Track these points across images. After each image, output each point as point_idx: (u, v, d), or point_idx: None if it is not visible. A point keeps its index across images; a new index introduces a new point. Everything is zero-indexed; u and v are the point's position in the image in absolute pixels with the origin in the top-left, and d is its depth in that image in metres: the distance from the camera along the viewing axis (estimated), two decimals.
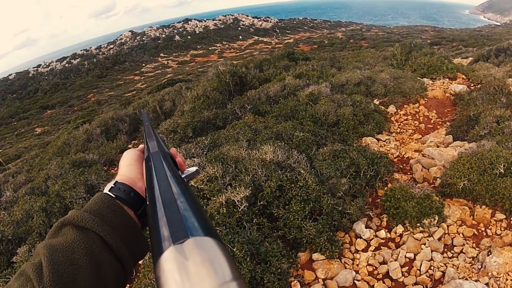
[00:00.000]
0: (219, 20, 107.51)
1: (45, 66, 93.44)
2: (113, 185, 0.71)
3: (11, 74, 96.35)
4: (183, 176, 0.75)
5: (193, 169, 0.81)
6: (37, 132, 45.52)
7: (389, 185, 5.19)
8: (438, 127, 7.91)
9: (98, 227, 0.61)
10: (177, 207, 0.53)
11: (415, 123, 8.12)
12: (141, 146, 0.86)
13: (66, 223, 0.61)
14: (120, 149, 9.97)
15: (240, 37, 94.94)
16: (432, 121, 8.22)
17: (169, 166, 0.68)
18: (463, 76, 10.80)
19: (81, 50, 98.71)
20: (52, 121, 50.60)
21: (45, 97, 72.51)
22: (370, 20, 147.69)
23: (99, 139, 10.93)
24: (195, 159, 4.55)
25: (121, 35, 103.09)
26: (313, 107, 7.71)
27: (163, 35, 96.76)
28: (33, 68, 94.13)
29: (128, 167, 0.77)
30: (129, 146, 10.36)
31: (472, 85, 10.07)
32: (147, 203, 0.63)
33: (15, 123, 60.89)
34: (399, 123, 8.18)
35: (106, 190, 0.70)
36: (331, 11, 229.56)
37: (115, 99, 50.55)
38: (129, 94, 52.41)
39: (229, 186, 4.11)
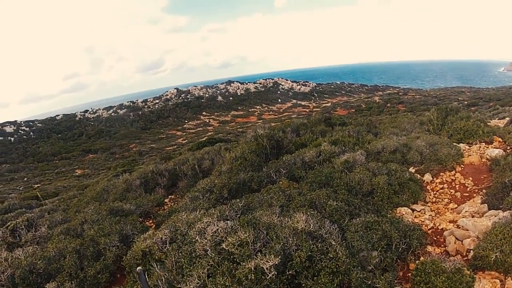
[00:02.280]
0: (260, 83, 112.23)
1: (92, 112, 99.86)
2: None
3: (58, 115, 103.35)
4: None
5: None
6: (77, 174, 47.52)
7: (421, 258, 5.05)
8: (474, 195, 7.54)
9: None
10: None
11: (451, 192, 7.83)
12: None
13: None
14: (157, 203, 10.28)
15: (279, 100, 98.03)
16: (468, 189, 7.87)
17: None
18: (500, 139, 10.40)
19: (127, 102, 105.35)
20: (93, 165, 52.85)
21: (89, 141, 76.57)
22: (406, 83, 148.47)
23: (137, 190, 11.32)
24: (228, 222, 4.72)
25: (167, 91, 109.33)
26: (348, 175, 7.74)
27: (207, 95, 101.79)
28: (80, 112, 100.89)
29: None
30: (165, 200, 10.69)
31: (508, 148, 9.64)
32: None
33: (57, 161, 64.15)
34: (434, 192, 7.92)
35: None
36: (368, 76, 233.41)
37: (156, 152, 52.53)
38: (170, 148, 54.40)
39: (259, 253, 4.20)
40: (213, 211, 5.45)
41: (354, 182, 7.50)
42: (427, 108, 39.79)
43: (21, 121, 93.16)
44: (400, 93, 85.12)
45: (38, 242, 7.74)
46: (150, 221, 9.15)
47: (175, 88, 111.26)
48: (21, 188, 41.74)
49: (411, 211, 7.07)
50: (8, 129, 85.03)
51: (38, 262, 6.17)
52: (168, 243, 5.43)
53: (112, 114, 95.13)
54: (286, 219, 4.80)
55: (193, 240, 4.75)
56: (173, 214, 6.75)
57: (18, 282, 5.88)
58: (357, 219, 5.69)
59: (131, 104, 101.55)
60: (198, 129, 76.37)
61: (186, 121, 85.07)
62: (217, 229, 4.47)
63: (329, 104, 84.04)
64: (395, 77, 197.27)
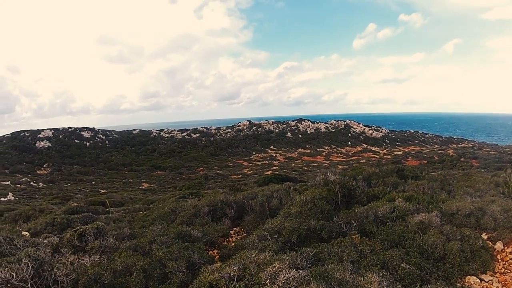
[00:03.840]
0: (331, 124, 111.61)
1: (167, 132, 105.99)
2: None
3: (135, 130, 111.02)
4: None
5: None
6: (143, 187, 49.98)
7: None
8: None
9: None
10: None
11: None
12: None
13: None
14: (222, 233, 10.49)
15: (349, 143, 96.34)
16: None
17: None
18: None
19: (202, 127, 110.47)
20: (160, 182, 55.36)
21: (160, 158, 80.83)
22: (481, 137, 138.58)
23: (205, 217, 11.62)
24: (300, 271, 4.74)
25: (240, 122, 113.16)
26: (422, 236, 7.45)
27: (277, 130, 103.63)
28: (156, 130, 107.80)
29: None
30: (230, 232, 10.88)
31: None
32: None
33: (126, 172, 68.17)
34: (504, 262, 7.32)
35: None
36: (443, 126, 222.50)
37: (221, 178, 53.85)
38: (235, 176, 55.54)
39: None
40: (285, 257, 5.49)
41: (427, 245, 7.19)
42: (501, 166, 37.08)
43: (99, 129, 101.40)
44: (475, 148, 79.75)
45: (104, 251, 7.86)
46: (215, 251, 9.33)
47: (247, 120, 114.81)
48: (87, 191, 44.96)
49: (479, 280, 6.66)
50: (86, 134, 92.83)
51: (105, 274, 6.27)
52: (235, 280, 5.52)
53: (186, 136, 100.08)
54: (359, 278, 4.72)
55: (262, 283, 4.83)
56: (241, 251, 6.87)
57: None
58: (428, 286, 5.46)
59: (205, 129, 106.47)
60: (264, 162, 77.31)
61: (254, 153, 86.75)
62: (289, 277, 4.51)
63: (400, 153, 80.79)
64: (473, 130, 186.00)
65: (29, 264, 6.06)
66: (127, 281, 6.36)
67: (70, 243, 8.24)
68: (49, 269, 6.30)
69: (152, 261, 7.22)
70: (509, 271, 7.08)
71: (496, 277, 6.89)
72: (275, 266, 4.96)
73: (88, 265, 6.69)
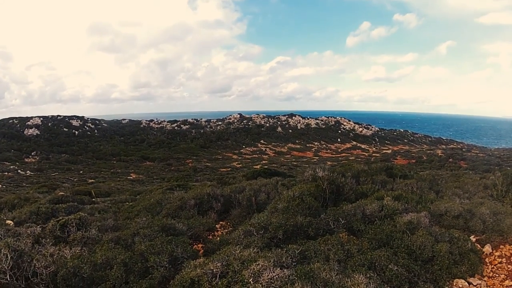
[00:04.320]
0: (322, 120, 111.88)
1: (157, 122, 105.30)
2: None
3: (125, 119, 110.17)
4: None
5: None
6: (131, 177, 49.63)
7: None
8: None
9: None
10: None
11: (509, 268, 7.18)
12: None
13: None
14: (208, 227, 10.29)
15: (339, 139, 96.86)
16: None
17: None
18: None
19: (192, 119, 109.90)
20: (148, 173, 55.04)
21: (149, 149, 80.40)
22: (471, 139, 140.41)
23: (191, 210, 11.41)
24: (285, 270, 4.57)
25: (231, 115, 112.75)
26: (410, 237, 7.34)
27: (267, 124, 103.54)
28: (145, 120, 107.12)
29: None
30: (216, 226, 10.70)
31: None
32: None
33: (114, 162, 67.74)
34: (492, 266, 7.31)
35: None
36: (433, 127, 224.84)
37: (210, 171, 53.66)
38: (224, 169, 55.41)
39: None
40: (270, 254, 5.31)
41: (415, 246, 7.07)
42: (489, 168, 37.73)
43: (88, 118, 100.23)
44: (463, 149, 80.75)
45: (86, 243, 7.72)
46: (199, 245, 9.15)
47: (238, 113, 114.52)
48: (75, 180, 44.49)
49: (467, 284, 6.60)
50: (75, 123, 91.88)
51: (84, 267, 6.11)
52: (218, 276, 5.35)
53: (175, 127, 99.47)
54: (346, 279, 4.56)
55: (245, 281, 4.65)
56: (225, 246, 6.69)
57: (59, 281, 5.84)
58: None
59: (195, 121, 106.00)
60: (254, 155, 77.30)
61: (244, 146, 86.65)
62: (274, 276, 4.34)
63: (389, 151, 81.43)
64: (463, 132, 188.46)
65: (8, 255, 5.89)
66: (107, 275, 6.17)
67: (52, 233, 8.07)
68: (28, 260, 6.15)
69: (134, 254, 7.00)
70: (497, 275, 7.03)
71: (485, 280, 6.84)
72: (259, 264, 4.78)
73: (68, 257, 6.50)
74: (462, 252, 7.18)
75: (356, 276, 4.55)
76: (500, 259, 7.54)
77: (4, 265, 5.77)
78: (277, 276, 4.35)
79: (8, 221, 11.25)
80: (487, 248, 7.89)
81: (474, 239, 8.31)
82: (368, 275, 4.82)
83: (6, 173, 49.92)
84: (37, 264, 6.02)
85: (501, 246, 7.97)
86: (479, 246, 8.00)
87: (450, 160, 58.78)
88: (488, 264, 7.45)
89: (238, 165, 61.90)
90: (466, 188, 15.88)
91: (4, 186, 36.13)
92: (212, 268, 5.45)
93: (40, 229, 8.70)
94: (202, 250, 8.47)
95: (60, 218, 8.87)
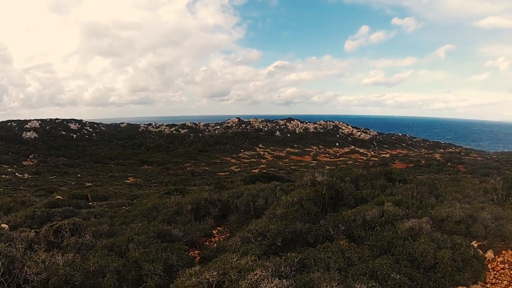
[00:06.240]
0: (320, 124, 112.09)
1: (155, 126, 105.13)
2: None
3: (123, 123, 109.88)
4: None
5: None
6: (128, 181, 49.31)
7: None
8: None
9: None
10: None
11: (511, 274, 7.05)
12: None
13: None
14: (205, 233, 10.06)
15: (337, 144, 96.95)
16: None
17: None
18: None
19: (190, 123, 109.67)
20: (146, 176, 54.80)
21: (147, 153, 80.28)
22: (468, 143, 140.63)
23: (188, 215, 11.20)
24: (284, 281, 4.37)
25: (229, 119, 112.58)
26: (412, 244, 7.15)
27: (266, 128, 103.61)
28: (144, 124, 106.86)
29: None
30: (213, 231, 10.48)
31: None
32: None
33: (112, 165, 67.51)
34: (495, 272, 7.17)
35: None
36: (431, 130, 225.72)
37: (209, 175, 53.41)
38: (222, 173, 55.20)
39: None
40: (268, 263, 5.10)
41: (417, 253, 6.88)
42: (488, 172, 37.89)
43: (86, 121, 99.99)
44: (462, 153, 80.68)
45: (79, 249, 7.55)
46: (196, 252, 8.95)
47: (237, 118, 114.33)
48: (73, 183, 44.23)
49: None
50: (73, 126, 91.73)
51: (76, 274, 5.93)
52: (214, 286, 5.15)
53: (174, 131, 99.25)
54: None
55: None
56: (222, 254, 6.49)
57: None
58: None
59: (193, 125, 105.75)
60: (252, 159, 77.17)
61: (242, 150, 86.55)
62: (272, 287, 4.15)
63: (388, 155, 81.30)
64: (460, 136, 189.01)
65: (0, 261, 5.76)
66: (99, 283, 5.98)
67: (45, 238, 7.89)
68: (20, 266, 5.99)
69: (128, 262, 6.80)
70: (500, 281, 6.90)
71: (488, 287, 6.71)
72: (256, 274, 4.58)
73: (60, 264, 6.28)
74: (464, 259, 7.00)
75: (358, 286, 4.36)
76: (503, 265, 7.40)
77: None
78: (275, 287, 4.16)
79: (3, 225, 11.12)
80: (490, 254, 7.73)
81: (476, 245, 8.15)
82: (370, 285, 4.62)
83: (4, 176, 49.70)
84: (28, 271, 5.86)
85: (503, 252, 7.84)
86: (481, 251, 7.83)
87: (449, 164, 58.62)
88: (490, 270, 7.30)
89: (236, 169, 61.70)
90: (466, 192, 15.70)
91: (2, 189, 35.88)
92: (208, 277, 5.25)
93: (34, 233, 8.48)
94: (199, 257, 8.26)
95: (54, 223, 8.66)
